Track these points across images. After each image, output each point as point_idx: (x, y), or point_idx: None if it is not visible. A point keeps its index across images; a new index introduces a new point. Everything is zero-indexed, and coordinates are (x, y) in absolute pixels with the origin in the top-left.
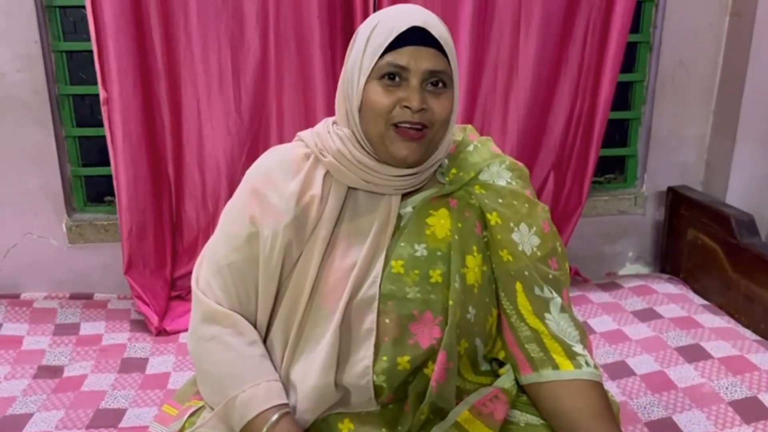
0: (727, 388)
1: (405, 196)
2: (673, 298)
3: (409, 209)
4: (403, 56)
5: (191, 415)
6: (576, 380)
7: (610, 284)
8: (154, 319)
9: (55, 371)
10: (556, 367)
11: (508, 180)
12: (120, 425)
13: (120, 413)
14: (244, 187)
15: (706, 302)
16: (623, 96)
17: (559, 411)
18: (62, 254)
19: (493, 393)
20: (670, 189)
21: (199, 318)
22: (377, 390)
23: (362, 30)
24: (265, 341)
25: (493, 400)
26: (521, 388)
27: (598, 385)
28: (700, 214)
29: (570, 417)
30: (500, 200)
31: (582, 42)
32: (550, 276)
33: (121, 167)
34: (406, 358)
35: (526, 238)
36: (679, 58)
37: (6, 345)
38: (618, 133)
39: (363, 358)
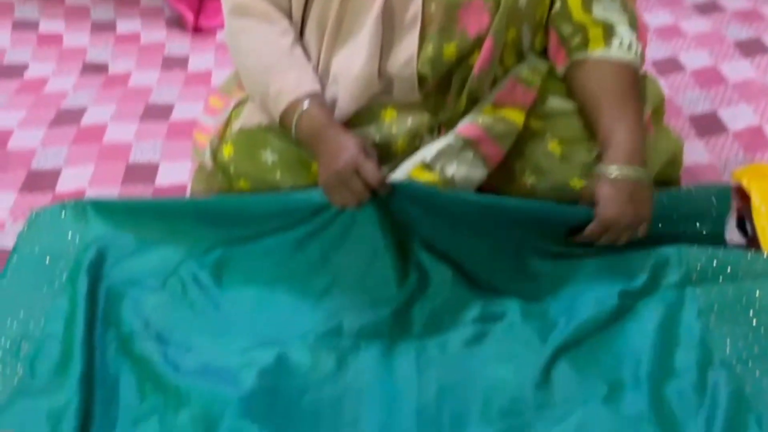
0: None
1: None
2: None
3: None
4: None
5: (236, 106)
6: (604, 60)
7: None
8: (189, 16)
9: (99, 68)
10: (588, 47)
11: None
12: (170, 119)
13: (168, 108)
14: None
15: None
16: None
17: (585, 92)
18: None
19: (510, 83)
20: None
21: (228, 10)
22: (421, 79)
23: None
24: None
25: (515, 88)
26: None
27: (629, 68)
28: None
29: (593, 98)
30: None
31: None
32: None
33: None
34: (453, 44)
35: None
36: None
37: (48, 42)
38: None
39: (407, 47)
